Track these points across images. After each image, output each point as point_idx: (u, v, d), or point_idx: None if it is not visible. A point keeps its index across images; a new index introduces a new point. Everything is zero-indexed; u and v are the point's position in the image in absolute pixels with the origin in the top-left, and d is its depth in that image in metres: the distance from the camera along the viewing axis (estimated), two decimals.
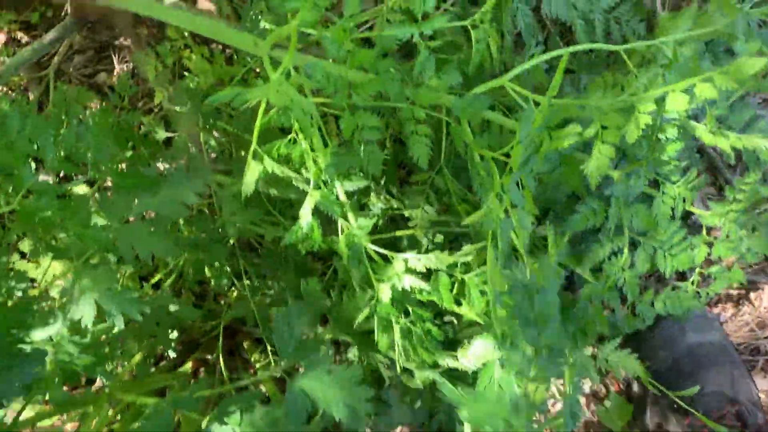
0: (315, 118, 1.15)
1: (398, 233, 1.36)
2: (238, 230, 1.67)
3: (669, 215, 1.25)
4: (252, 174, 1.16)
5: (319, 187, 1.20)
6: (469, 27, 1.16)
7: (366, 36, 1.18)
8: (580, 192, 1.27)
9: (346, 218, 1.22)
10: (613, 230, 1.26)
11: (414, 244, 1.42)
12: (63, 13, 2.03)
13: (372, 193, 1.41)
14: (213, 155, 2.00)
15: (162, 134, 1.91)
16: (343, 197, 1.22)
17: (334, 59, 1.13)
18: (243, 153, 1.98)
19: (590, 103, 1.12)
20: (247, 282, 1.82)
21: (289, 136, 1.19)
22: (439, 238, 1.37)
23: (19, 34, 2.04)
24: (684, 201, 1.27)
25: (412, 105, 1.19)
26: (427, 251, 1.28)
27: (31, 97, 2.04)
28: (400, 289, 1.22)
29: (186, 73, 1.99)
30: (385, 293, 1.21)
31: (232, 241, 1.79)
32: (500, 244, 1.04)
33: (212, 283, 1.87)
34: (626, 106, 1.13)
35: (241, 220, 1.51)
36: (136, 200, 1.26)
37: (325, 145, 1.16)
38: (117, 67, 2.04)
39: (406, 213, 1.40)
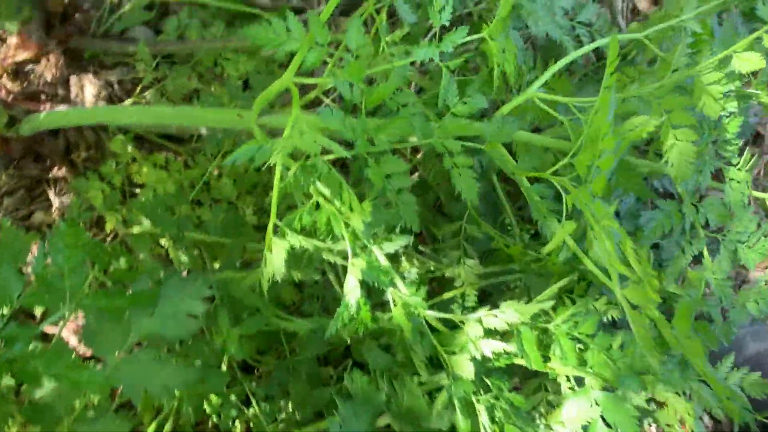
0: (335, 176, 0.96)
1: (446, 295, 1.15)
2: (244, 345, 1.41)
3: (742, 203, 1.11)
4: (279, 254, 0.94)
5: (357, 255, 0.99)
6: (488, 38, 1.02)
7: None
8: (644, 196, 1.11)
9: (395, 287, 1.01)
10: (689, 231, 1.10)
11: (463, 305, 1.21)
12: None
13: (403, 257, 1.21)
14: (185, 272, 1.75)
15: (124, 262, 1.66)
16: (384, 262, 1.01)
17: (349, 101, 0.96)
18: (218, 263, 1.75)
19: (645, 91, 0.99)
20: (255, 409, 1.54)
21: (311, 201, 0.99)
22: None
23: None
24: (748, 186, 1.14)
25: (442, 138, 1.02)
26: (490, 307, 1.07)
27: None
28: (479, 358, 1.00)
29: (138, 190, 1.77)
30: (464, 367, 0.98)
31: (224, 366, 1.52)
32: (611, 273, 0.85)
33: (213, 418, 1.57)
34: (680, 84, 1.01)
35: (250, 327, 1.27)
36: (132, 325, 1.00)
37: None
38: (55, 202, 1.79)
39: (447, 273, 1.20)
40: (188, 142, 1.81)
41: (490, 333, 0.99)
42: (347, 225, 0.97)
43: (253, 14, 1.82)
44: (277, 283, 1.05)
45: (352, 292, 0.93)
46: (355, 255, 0.98)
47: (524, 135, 1.09)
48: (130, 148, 1.73)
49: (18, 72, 1.81)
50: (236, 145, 1.50)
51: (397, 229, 1.19)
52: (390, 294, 1.00)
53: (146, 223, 1.72)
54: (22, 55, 1.80)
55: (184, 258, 1.66)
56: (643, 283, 0.87)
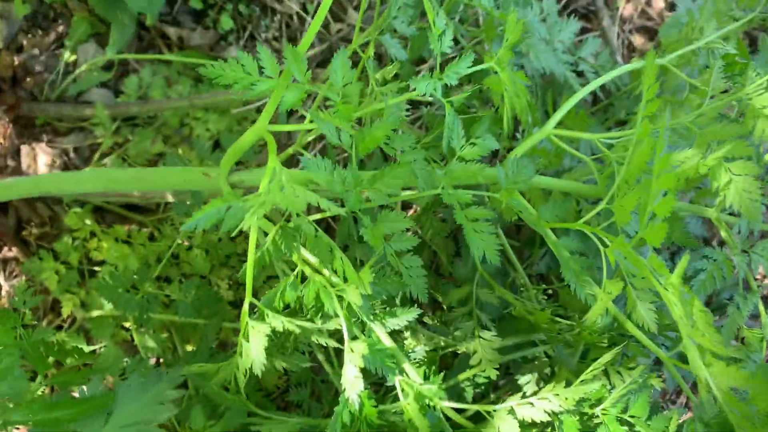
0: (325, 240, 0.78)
1: (462, 376, 0.96)
2: None
3: None
4: (257, 341, 0.74)
5: (355, 336, 0.80)
6: (497, 69, 0.86)
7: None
8: (688, 245, 0.94)
9: (403, 373, 0.82)
10: (741, 284, 0.93)
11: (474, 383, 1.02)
12: None
13: (407, 332, 1.02)
14: (153, 359, 1.54)
15: (84, 349, 1.44)
16: (388, 342, 0.82)
17: (335, 147, 0.79)
18: (191, 346, 1.54)
19: (684, 121, 0.83)
20: None
21: (293, 274, 0.80)
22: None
23: None
24: None
25: (449, 189, 0.85)
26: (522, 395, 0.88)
27: None
28: None
29: (98, 268, 1.57)
30: None
31: None
32: (688, 347, 0.67)
33: None
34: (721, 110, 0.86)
35: (228, 424, 1.05)
36: None
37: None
38: (5, 286, 1.58)
39: (460, 348, 1.01)
40: (154, 212, 1.63)
41: (525, 426, 0.80)
42: (341, 299, 0.79)
43: None
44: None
45: (352, 385, 0.74)
46: (352, 337, 0.79)
47: (543, 180, 0.93)
48: (88, 222, 1.54)
49: None
50: None
51: (397, 299, 1.01)
52: (398, 382, 0.81)
53: (107, 305, 1.52)
54: None
55: (151, 343, 1.46)
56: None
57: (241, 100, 1.60)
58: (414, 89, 0.82)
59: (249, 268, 0.74)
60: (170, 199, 1.47)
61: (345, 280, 0.78)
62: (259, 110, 1.69)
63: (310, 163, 0.77)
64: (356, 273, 0.73)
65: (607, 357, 0.82)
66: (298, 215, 0.72)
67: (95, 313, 1.48)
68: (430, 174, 0.86)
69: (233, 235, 1.64)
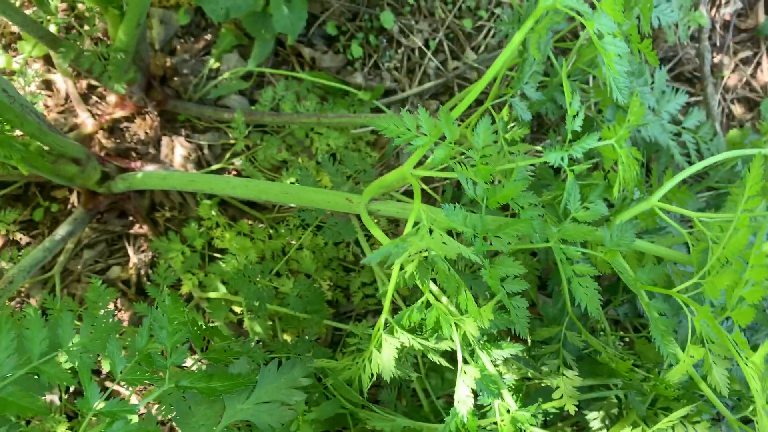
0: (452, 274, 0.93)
1: (545, 406, 1.09)
2: (316, 425, 1.35)
3: None
4: (389, 351, 0.90)
5: (467, 362, 0.94)
6: (615, 147, 0.99)
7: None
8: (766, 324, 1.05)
9: (502, 398, 0.96)
10: None
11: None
12: (69, 206, 1.81)
13: (499, 360, 1.15)
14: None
15: (226, 333, 1.64)
16: (492, 369, 0.96)
17: (472, 199, 0.93)
18: (289, 337, 1.71)
19: None
20: None
21: (421, 299, 0.95)
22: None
23: (18, 236, 1.79)
24: None
25: (562, 243, 0.99)
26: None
27: (34, 303, 1.76)
28: None
29: (218, 255, 1.76)
30: None
31: None
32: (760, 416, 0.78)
33: None
34: None
35: (324, 412, 1.21)
36: (225, 409, 0.97)
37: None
38: (133, 259, 1.80)
39: (545, 382, 1.14)
40: (270, 210, 1.82)
41: None
42: (458, 327, 0.93)
43: (346, 91, 1.84)
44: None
45: (463, 403, 0.88)
46: (464, 361, 0.93)
47: (642, 245, 1.05)
48: (214, 212, 1.74)
49: (113, 129, 1.86)
50: (327, 222, 1.48)
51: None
52: (496, 405, 0.95)
53: (222, 288, 1.71)
54: (120, 113, 1.86)
55: (257, 328, 1.64)
56: None
57: (360, 123, 1.76)
58: (541, 155, 0.96)
59: (390, 290, 0.90)
60: (291, 204, 1.65)
61: (463, 311, 0.92)
62: (373, 132, 1.86)
63: (449, 209, 0.91)
64: (477, 308, 0.88)
65: (682, 411, 0.94)
66: (437, 254, 0.87)
67: (211, 294, 1.68)
68: (545, 227, 0.99)
69: (337, 241, 1.82)
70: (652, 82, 1.43)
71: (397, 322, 0.93)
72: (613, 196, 1.05)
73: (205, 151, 1.83)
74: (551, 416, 1.33)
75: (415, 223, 0.91)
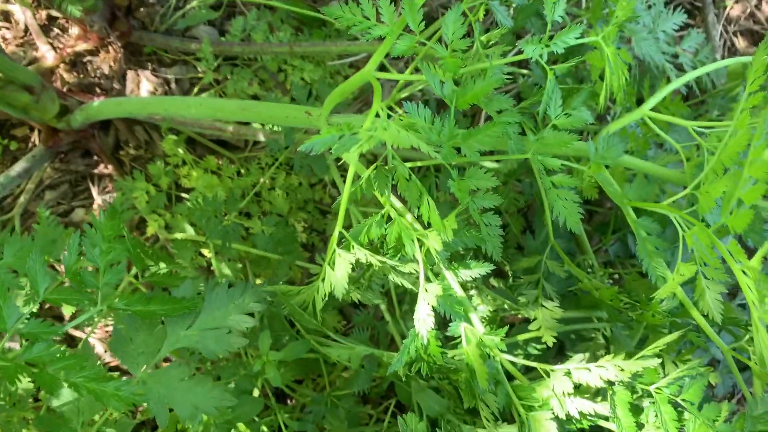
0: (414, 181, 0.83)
1: (521, 337, 1.00)
2: (283, 372, 1.27)
3: None
4: (342, 267, 0.80)
5: (430, 280, 0.85)
6: (602, 44, 0.88)
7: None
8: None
9: (469, 321, 0.86)
10: None
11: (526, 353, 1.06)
12: (30, 144, 1.71)
13: (473, 290, 1.06)
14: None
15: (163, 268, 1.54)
16: (459, 291, 0.87)
17: (440, 99, 0.83)
18: (260, 279, 1.62)
19: None
20: None
21: (381, 212, 0.85)
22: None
23: None
24: None
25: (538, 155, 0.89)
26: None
27: None
28: (563, 417, 0.84)
29: (184, 195, 1.67)
30: (544, 426, 0.82)
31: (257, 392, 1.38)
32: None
33: None
34: None
35: (294, 351, 1.13)
36: (167, 336, 0.88)
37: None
38: (97, 200, 1.70)
39: (522, 313, 1.04)
40: (242, 149, 1.71)
41: (578, 390, 0.83)
42: (421, 243, 0.83)
43: (322, 21, 1.73)
44: (325, 303, 0.91)
45: (423, 322, 0.79)
46: (427, 279, 0.84)
47: (630, 160, 0.95)
48: (180, 150, 1.63)
49: (76, 63, 1.75)
50: (296, 156, 1.38)
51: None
52: (462, 329, 0.86)
53: (190, 230, 1.62)
54: (82, 46, 1.74)
55: (226, 270, 1.55)
56: None
57: (336, 52, 1.65)
58: (520, 51, 0.85)
59: (344, 199, 0.80)
60: (261, 138, 1.54)
61: (427, 226, 0.82)
62: (351, 65, 1.75)
63: (412, 108, 0.81)
64: (440, 219, 0.78)
65: (668, 338, 0.84)
66: (394, 158, 0.77)
67: (178, 235, 1.58)
68: (522, 139, 0.89)
69: (313, 182, 1.71)
70: (649, 5, 1.32)
71: (353, 237, 0.83)
72: (599, 105, 0.94)
73: (173, 85, 1.72)
74: (532, 358, 1.24)
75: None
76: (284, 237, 1.48)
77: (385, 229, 0.84)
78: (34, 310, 0.83)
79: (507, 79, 0.90)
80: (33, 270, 0.82)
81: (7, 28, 1.75)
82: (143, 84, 1.71)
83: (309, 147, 0.68)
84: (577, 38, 0.84)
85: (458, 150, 0.85)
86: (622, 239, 1.44)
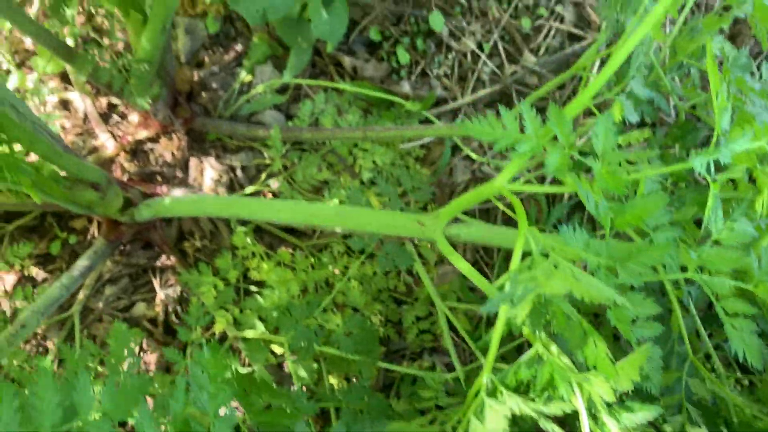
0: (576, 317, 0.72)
1: None
2: None
3: None
4: (495, 420, 0.69)
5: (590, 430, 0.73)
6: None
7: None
8: None
9: None
10: None
11: None
12: (89, 238, 1.64)
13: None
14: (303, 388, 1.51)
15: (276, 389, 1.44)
16: None
17: (596, 219, 0.73)
18: (338, 381, 1.51)
19: None
20: None
21: (529, 352, 0.74)
22: None
23: (34, 270, 1.62)
24: None
25: (702, 274, 0.78)
26: None
27: (51, 347, 1.58)
28: None
29: (254, 288, 1.57)
30: None
31: None
32: None
33: None
34: None
35: None
36: None
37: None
38: (159, 294, 1.61)
39: None
40: (310, 237, 1.62)
41: None
42: (581, 387, 0.72)
43: (391, 102, 1.65)
44: None
45: None
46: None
47: None
48: (249, 240, 1.55)
49: (136, 151, 1.69)
50: (379, 251, 1.29)
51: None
52: None
53: (260, 326, 1.51)
54: (143, 134, 1.68)
55: (302, 372, 1.43)
56: None
57: (409, 136, 1.57)
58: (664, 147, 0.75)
59: (494, 341, 0.69)
60: (338, 229, 1.45)
61: (589, 367, 0.71)
62: (423, 146, 1.66)
63: (567, 234, 0.71)
64: (613, 365, 0.67)
65: None
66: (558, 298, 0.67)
67: (248, 333, 1.48)
68: (684, 257, 0.78)
69: (387, 269, 1.61)
70: (760, 77, 1.22)
71: (501, 382, 0.72)
72: (756, 213, 0.84)
73: (238, 172, 1.65)
74: None
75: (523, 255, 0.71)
76: (365, 335, 1.37)
77: (536, 370, 0.73)
78: None
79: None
80: (141, 425, 0.72)
81: (66, 117, 1.70)
82: (207, 172, 1.64)
83: (493, 306, 0.57)
84: (748, 142, 0.74)
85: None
86: None
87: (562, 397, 0.73)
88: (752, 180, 0.88)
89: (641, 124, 1.49)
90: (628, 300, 0.76)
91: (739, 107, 1.14)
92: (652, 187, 0.78)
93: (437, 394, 1.13)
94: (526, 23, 1.69)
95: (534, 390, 0.76)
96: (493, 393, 0.73)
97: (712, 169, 0.74)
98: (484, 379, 0.71)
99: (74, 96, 1.70)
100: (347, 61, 1.69)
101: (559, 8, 1.73)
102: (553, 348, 0.77)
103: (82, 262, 1.50)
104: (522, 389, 0.77)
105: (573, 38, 1.74)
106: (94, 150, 1.67)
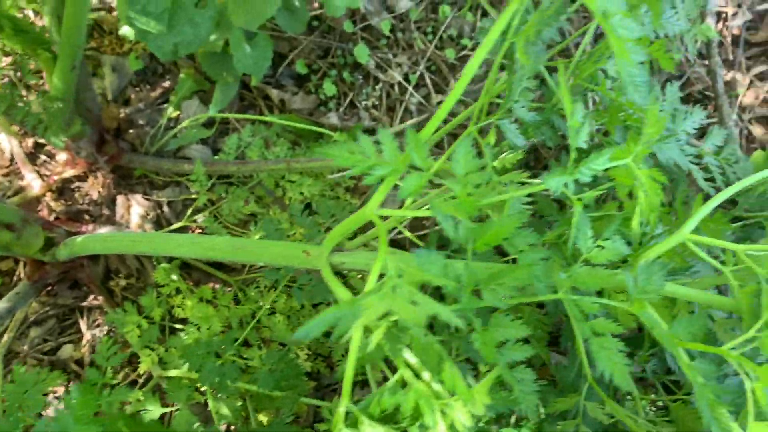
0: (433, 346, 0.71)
1: None
2: None
3: None
4: None
5: None
6: (634, 167, 0.78)
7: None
8: None
9: None
10: None
11: None
12: (15, 278, 1.61)
13: None
14: (224, 426, 1.48)
15: (156, 411, 1.40)
16: None
17: (454, 241, 0.72)
18: (266, 417, 1.47)
19: None
20: None
21: (393, 379, 0.73)
22: None
23: None
24: None
25: (573, 294, 0.77)
26: None
27: None
28: None
29: (179, 326, 1.54)
30: None
31: None
32: None
33: None
34: None
35: None
36: None
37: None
38: (86, 335, 1.58)
39: None
40: (239, 272, 1.61)
41: None
42: (444, 414, 0.70)
43: (319, 134, 1.66)
44: None
45: None
46: None
47: (676, 290, 0.83)
48: (174, 277, 1.52)
49: (63, 190, 1.67)
50: (296, 279, 1.27)
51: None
52: None
53: (185, 366, 1.48)
54: (70, 172, 1.67)
55: (225, 410, 1.40)
56: None
57: (335, 167, 1.57)
58: (540, 183, 0.75)
59: (348, 371, 0.68)
60: (246, 261, 1.44)
61: (452, 393, 0.70)
62: (352, 177, 1.66)
63: (423, 255, 0.70)
64: (468, 388, 0.65)
65: None
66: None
67: (172, 372, 1.45)
68: (551, 276, 0.77)
69: (316, 302, 1.59)
70: (663, 99, 1.24)
71: (362, 411, 0.70)
72: (632, 230, 0.83)
73: (165, 208, 1.63)
74: None
75: (381, 276, 0.70)
76: (288, 370, 1.35)
77: (401, 397, 0.71)
78: None
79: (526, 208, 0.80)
80: None
81: None
82: (134, 209, 1.63)
83: (304, 335, 0.56)
84: (606, 162, 0.74)
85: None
86: (658, 354, 1.30)
87: (432, 427, 0.72)
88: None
89: (548, 148, 1.50)
90: (495, 324, 0.75)
91: (637, 127, 1.15)
92: (516, 208, 0.78)
93: None
94: (450, 54, 1.71)
95: (404, 418, 0.74)
96: (354, 424, 0.71)
97: (571, 188, 0.74)
98: (340, 409, 0.69)
99: (0, 137, 1.69)
100: (275, 93, 1.69)
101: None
102: (425, 374, 0.75)
103: (2, 305, 1.47)
104: (390, 418, 0.75)
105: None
106: (21, 190, 1.65)
